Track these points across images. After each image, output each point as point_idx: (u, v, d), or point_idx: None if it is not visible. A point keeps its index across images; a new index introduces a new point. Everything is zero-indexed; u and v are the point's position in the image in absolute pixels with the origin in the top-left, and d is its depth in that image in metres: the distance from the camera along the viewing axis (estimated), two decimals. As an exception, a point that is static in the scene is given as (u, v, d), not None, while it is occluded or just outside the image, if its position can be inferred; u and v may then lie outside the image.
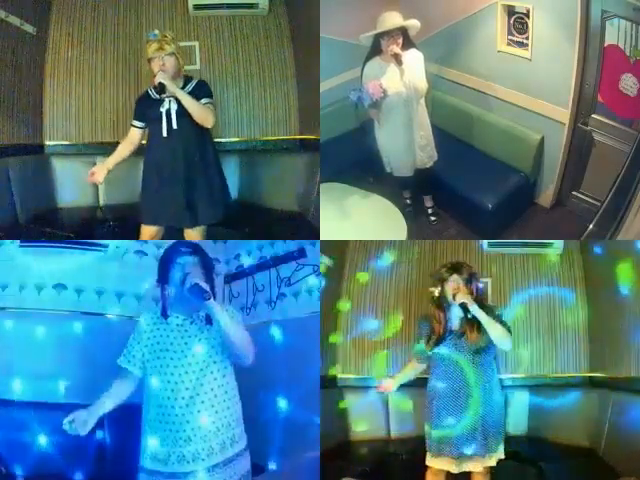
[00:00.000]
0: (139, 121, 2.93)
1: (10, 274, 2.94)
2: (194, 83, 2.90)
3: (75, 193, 3.96)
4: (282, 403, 2.93)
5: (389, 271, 3.62)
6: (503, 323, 2.36)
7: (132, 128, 2.95)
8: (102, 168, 2.90)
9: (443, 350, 2.38)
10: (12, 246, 2.99)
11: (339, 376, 3.45)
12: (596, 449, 2.89)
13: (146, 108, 2.89)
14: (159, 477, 1.96)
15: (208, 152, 2.95)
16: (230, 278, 3.52)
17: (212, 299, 1.94)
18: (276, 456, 2.86)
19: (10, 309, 2.90)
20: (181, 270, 2.01)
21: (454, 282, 2.36)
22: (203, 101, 2.85)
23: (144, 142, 2.97)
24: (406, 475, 2.60)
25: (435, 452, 2.39)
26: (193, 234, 2.98)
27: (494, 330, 2.30)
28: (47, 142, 4.05)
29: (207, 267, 2.07)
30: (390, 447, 3.15)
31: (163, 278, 2.06)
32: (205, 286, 1.94)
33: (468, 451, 2.33)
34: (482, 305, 2.34)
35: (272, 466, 2.83)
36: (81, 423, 1.85)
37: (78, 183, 3.96)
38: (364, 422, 3.29)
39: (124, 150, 2.95)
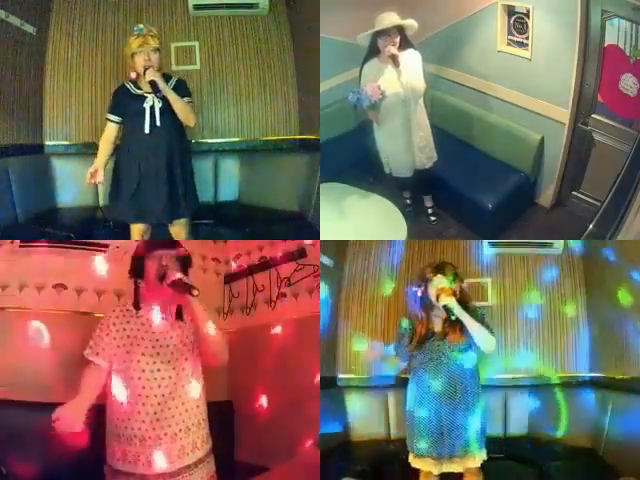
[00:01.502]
0: (116, 115, 2.90)
1: (10, 274, 2.94)
2: (174, 81, 2.91)
3: (75, 193, 3.95)
4: (282, 403, 2.94)
5: (388, 271, 3.62)
6: (486, 325, 2.33)
7: (108, 123, 2.91)
8: (98, 168, 2.87)
9: (424, 352, 2.37)
10: (12, 246, 2.99)
11: (339, 376, 3.45)
12: (596, 449, 2.89)
13: (126, 103, 2.86)
14: (130, 479, 1.89)
15: (185, 149, 3.00)
16: (230, 278, 3.52)
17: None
18: (276, 456, 2.86)
19: (10, 309, 2.90)
20: (158, 263, 1.96)
21: (438, 283, 2.34)
22: (184, 100, 2.88)
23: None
24: (406, 475, 2.59)
25: (416, 453, 2.38)
26: (177, 228, 3.00)
27: (477, 332, 2.28)
28: (47, 142, 4.05)
29: (184, 262, 2.02)
30: (390, 447, 3.15)
31: (137, 271, 2.01)
32: (188, 281, 1.90)
33: (447, 452, 2.32)
34: (465, 306, 2.32)
35: (272, 466, 2.83)
36: (70, 419, 1.73)
37: (78, 183, 3.94)
38: (364, 422, 3.29)
39: (105, 148, 2.92)
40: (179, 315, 1.99)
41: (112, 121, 2.91)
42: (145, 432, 1.88)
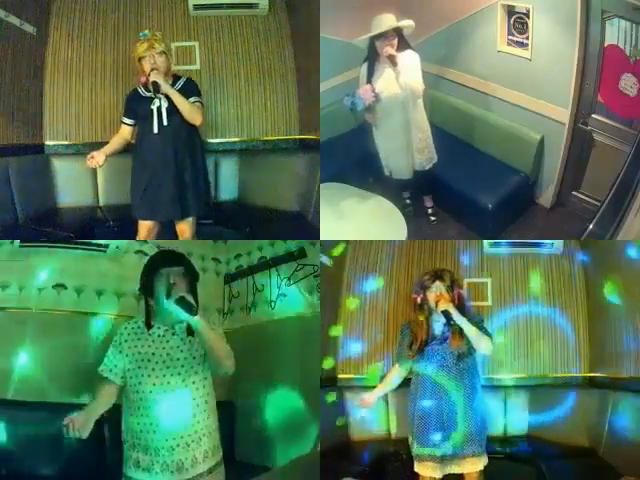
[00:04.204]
0: (129, 118, 3.00)
1: (10, 274, 2.94)
2: (183, 81, 2.98)
3: (75, 193, 3.96)
4: (282, 403, 2.94)
5: (388, 274, 3.62)
6: (484, 329, 2.37)
7: (122, 125, 3.02)
8: (100, 153, 2.91)
9: (426, 356, 2.39)
10: (12, 246, 2.99)
11: (339, 376, 3.45)
12: (596, 449, 2.89)
13: (136, 105, 2.95)
14: None
15: (196, 148, 3.04)
16: (230, 278, 3.52)
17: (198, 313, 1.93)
18: (276, 456, 2.87)
19: (10, 309, 2.90)
20: (166, 281, 1.98)
21: (436, 289, 2.37)
22: (192, 99, 2.93)
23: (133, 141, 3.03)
24: (406, 475, 2.59)
25: (419, 457, 2.39)
26: (183, 226, 3.04)
27: (475, 337, 2.31)
28: (47, 142, 4.05)
29: (192, 277, 2.05)
30: (390, 447, 3.15)
31: (147, 288, 2.04)
32: (191, 299, 1.92)
33: (449, 455, 2.33)
34: (464, 312, 2.35)
35: (272, 466, 2.83)
36: (80, 425, 1.81)
37: (78, 183, 3.97)
38: (364, 422, 3.28)
39: (116, 143, 3.00)
40: (189, 331, 2.02)
41: (126, 124, 3.00)
42: (158, 442, 1.94)
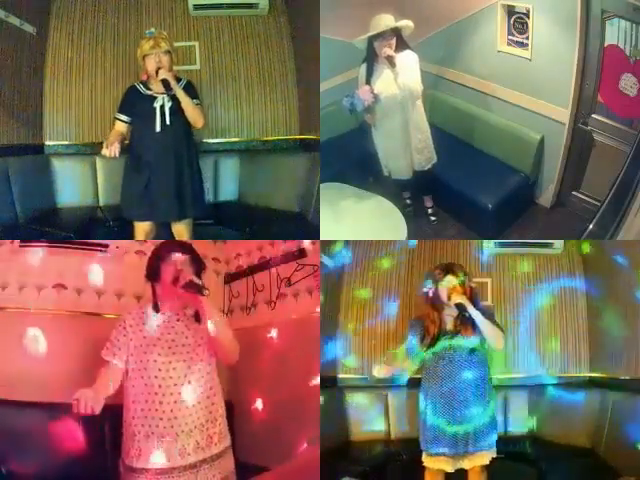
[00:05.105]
0: (126, 115, 2.95)
1: (10, 274, 2.94)
2: (184, 82, 2.97)
3: (75, 193, 3.97)
4: (282, 403, 2.93)
5: (388, 272, 3.62)
6: (496, 323, 2.37)
7: (117, 122, 2.95)
8: (114, 142, 2.75)
9: (437, 350, 2.39)
10: (12, 246, 2.99)
11: (339, 376, 3.45)
12: (596, 449, 2.88)
13: (135, 103, 2.92)
14: (146, 475, 1.95)
15: (192, 150, 3.04)
16: (230, 278, 3.52)
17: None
18: (276, 456, 2.86)
19: (10, 309, 2.90)
20: (173, 267, 2.02)
21: (449, 283, 2.37)
22: (193, 102, 2.93)
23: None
24: (406, 475, 2.60)
25: (430, 451, 2.39)
26: (181, 228, 3.04)
27: (488, 330, 2.31)
28: (47, 142, 4.06)
29: (198, 266, 2.09)
30: (390, 447, 3.15)
31: (154, 274, 2.06)
32: (200, 281, 1.96)
33: (462, 449, 2.33)
34: (476, 305, 2.35)
35: (271, 466, 2.82)
36: (91, 400, 1.80)
37: (78, 183, 3.98)
38: (364, 422, 3.29)
39: (115, 139, 2.82)
40: (197, 318, 2.04)
41: (121, 120, 2.95)
42: (163, 429, 1.94)
